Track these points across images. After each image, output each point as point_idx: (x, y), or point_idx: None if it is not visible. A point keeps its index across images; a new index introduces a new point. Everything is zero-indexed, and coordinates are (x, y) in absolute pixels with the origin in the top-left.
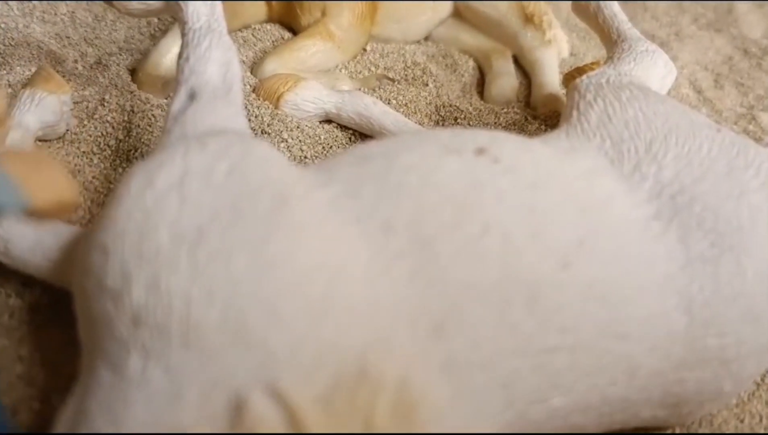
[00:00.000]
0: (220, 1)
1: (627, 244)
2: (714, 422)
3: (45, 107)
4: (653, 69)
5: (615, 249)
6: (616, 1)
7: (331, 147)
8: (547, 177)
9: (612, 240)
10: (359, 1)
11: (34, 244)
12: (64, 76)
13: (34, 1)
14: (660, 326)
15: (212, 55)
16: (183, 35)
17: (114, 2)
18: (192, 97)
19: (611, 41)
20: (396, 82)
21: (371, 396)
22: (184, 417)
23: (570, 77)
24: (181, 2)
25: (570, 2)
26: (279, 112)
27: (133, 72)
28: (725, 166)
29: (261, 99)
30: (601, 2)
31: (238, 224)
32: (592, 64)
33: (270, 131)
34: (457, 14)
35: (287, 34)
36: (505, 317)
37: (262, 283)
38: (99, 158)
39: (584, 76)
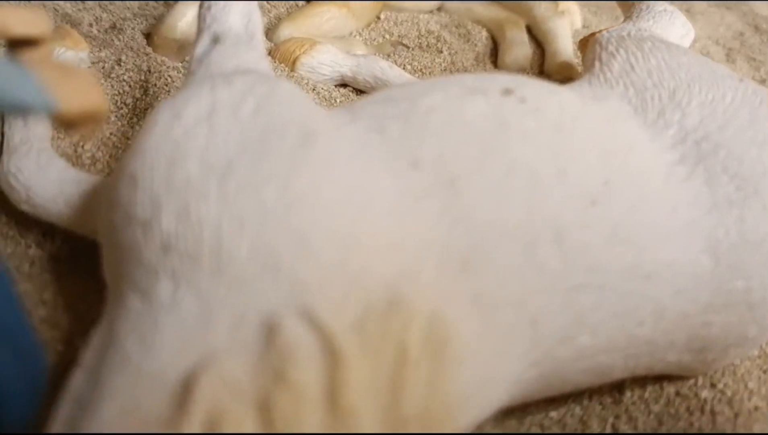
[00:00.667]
0: None
1: (652, 188)
2: (737, 372)
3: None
4: (671, 28)
5: (640, 192)
6: None
7: None
8: (573, 120)
9: (637, 183)
10: None
11: (56, 191)
12: None
13: None
14: (686, 269)
15: (233, 5)
16: None
17: None
18: (215, 40)
19: (629, 5)
20: (411, 49)
21: (404, 325)
22: (216, 341)
23: (585, 42)
24: None
25: None
26: (295, 75)
27: (147, 36)
28: (748, 114)
29: (277, 62)
30: None
31: (266, 157)
32: (608, 30)
33: None
34: None
35: (301, 2)
36: (532, 255)
37: (291, 215)
38: (116, 116)
39: (604, 31)
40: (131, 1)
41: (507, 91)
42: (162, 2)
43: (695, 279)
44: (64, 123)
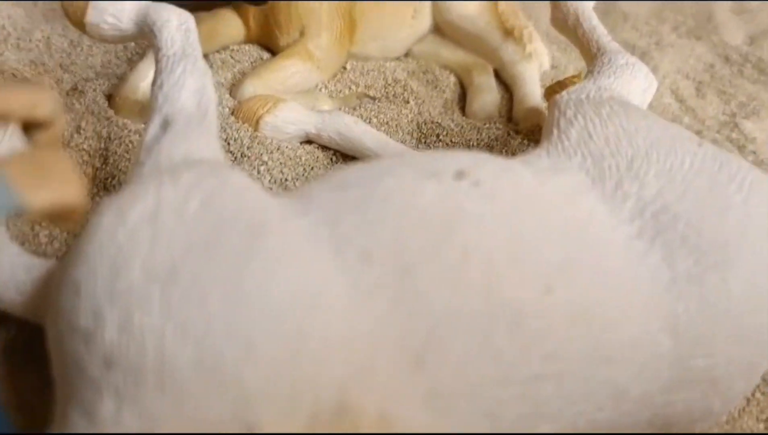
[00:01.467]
0: (195, 26)
1: (610, 266)
2: None
3: (19, 138)
4: (633, 82)
5: (598, 272)
6: (594, 14)
7: (312, 168)
8: (528, 199)
9: (594, 262)
10: (337, 21)
11: (7, 277)
12: None
13: (8, 29)
14: (646, 349)
15: (186, 81)
16: (157, 62)
17: (87, 29)
18: (165, 125)
19: (591, 55)
20: (377, 101)
21: (352, 430)
22: None
23: (551, 91)
24: (155, 28)
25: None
26: (259, 135)
27: (110, 97)
28: (708, 182)
29: (240, 121)
30: (579, 15)
31: (211, 258)
32: (573, 77)
33: (250, 154)
34: (437, 30)
35: (266, 55)
36: (487, 345)
37: (237, 319)
38: None
39: (564, 92)
40: (94, 60)
41: (460, 174)
42: (125, 60)
43: (655, 358)
44: (37, 217)
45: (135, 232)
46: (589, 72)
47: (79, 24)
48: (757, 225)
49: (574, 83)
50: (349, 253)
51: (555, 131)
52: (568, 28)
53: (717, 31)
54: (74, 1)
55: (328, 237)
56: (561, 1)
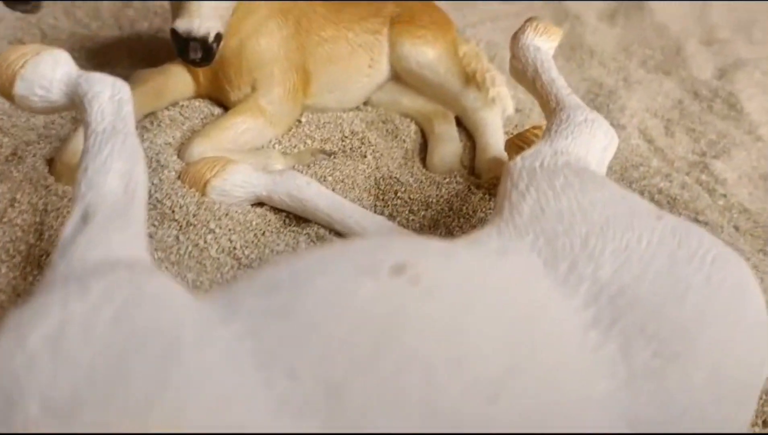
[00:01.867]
0: (130, 96)
1: (562, 365)
2: None
3: None
4: (593, 141)
5: (548, 373)
6: (554, 65)
7: (263, 232)
8: (473, 293)
9: (545, 362)
10: (291, 74)
11: None
12: None
13: None
14: None
15: (113, 164)
16: (85, 139)
17: (16, 101)
18: (86, 217)
19: (550, 108)
20: (332, 156)
21: None
22: None
23: (512, 145)
24: (85, 100)
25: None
26: (206, 200)
27: (50, 161)
28: (667, 260)
29: (187, 186)
30: (539, 67)
31: (120, 385)
32: (534, 129)
33: (195, 222)
34: (396, 77)
35: (217, 110)
36: None
37: None
38: (8, 266)
39: (518, 158)
40: (36, 120)
41: (398, 270)
42: (69, 120)
43: None
44: None
45: (34, 359)
46: (547, 129)
47: (8, 95)
48: (719, 307)
49: (536, 135)
50: (275, 369)
51: (506, 205)
52: (526, 79)
53: (686, 65)
54: (2, 72)
55: (252, 350)
56: (520, 51)
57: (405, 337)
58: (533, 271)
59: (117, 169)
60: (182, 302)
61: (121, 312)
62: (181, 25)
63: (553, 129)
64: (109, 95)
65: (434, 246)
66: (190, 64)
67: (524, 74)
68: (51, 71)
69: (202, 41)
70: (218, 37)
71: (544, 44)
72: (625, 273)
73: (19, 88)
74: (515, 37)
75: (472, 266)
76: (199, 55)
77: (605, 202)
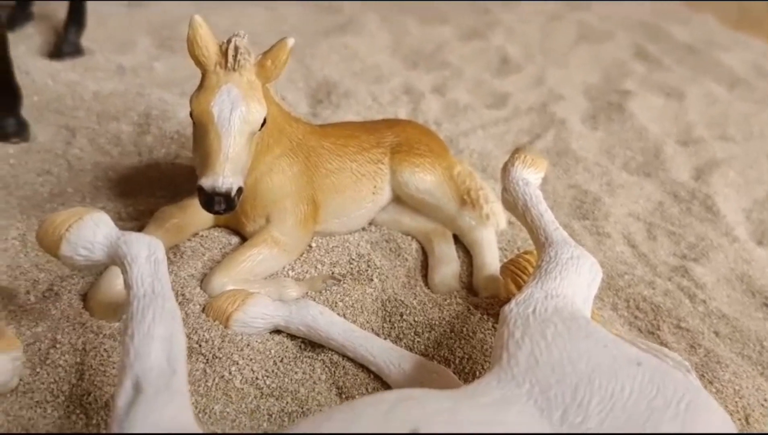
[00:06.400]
0: (164, 255)
1: None
2: None
3: None
4: (578, 279)
5: None
6: (542, 199)
7: (282, 359)
8: None
9: None
10: (301, 206)
11: None
12: (15, 313)
13: None
14: None
15: (156, 331)
16: (128, 302)
17: (61, 260)
18: (137, 388)
19: (539, 242)
20: (342, 282)
21: None
22: None
23: (506, 270)
24: (125, 262)
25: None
26: (229, 333)
27: (84, 296)
28: (646, 408)
29: (211, 319)
30: (528, 201)
31: None
32: (526, 254)
33: (221, 355)
34: (397, 199)
35: (234, 239)
36: None
37: None
38: (52, 406)
39: (513, 303)
40: None
41: None
42: None
43: None
44: None
45: None
46: (538, 266)
47: (55, 255)
48: None
49: (528, 261)
50: None
51: (505, 356)
52: (517, 211)
53: (664, 166)
54: (48, 234)
55: None
56: (510, 185)
57: None
58: (530, 419)
59: (159, 336)
60: None
61: None
62: (206, 182)
63: (543, 267)
64: (146, 256)
65: (441, 404)
66: (214, 214)
67: (515, 206)
68: (93, 235)
69: (226, 196)
70: (239, 191)
71: (531, 176)
72: (609, 423)
73: (65, 250)
74: (505, 170)
75: (477, 420)
76: (223, 207)
77: (590, 352)
